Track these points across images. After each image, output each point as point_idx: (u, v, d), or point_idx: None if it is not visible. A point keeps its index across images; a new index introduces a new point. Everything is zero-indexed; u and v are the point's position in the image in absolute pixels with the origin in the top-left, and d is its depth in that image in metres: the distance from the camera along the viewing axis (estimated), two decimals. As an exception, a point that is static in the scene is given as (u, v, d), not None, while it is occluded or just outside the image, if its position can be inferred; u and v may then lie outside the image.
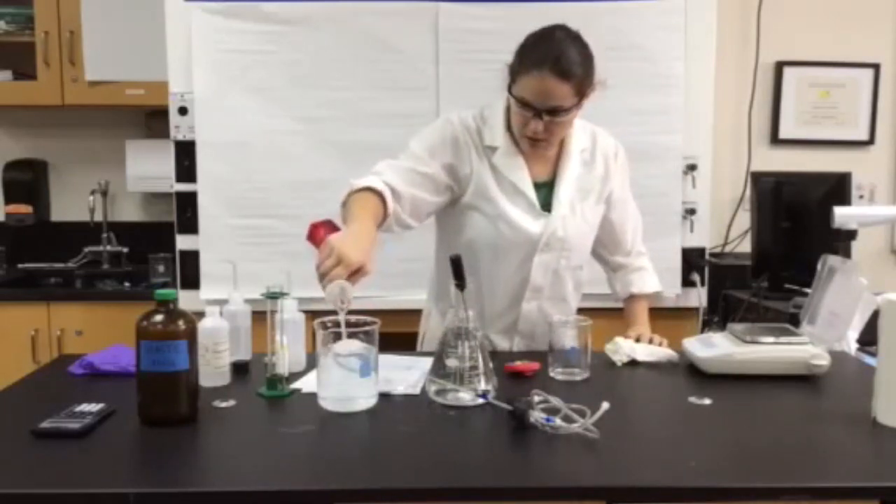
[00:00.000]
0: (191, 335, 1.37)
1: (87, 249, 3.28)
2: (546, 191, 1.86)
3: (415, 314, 2.09)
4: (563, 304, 1.92)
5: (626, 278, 2.04)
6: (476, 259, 1.83)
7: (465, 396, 1.47)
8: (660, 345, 1.85)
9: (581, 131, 1.89)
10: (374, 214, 1.66)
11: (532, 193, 1.83)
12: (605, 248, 2.01)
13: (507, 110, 1.83)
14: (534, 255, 1.84)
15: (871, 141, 3.30)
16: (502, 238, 1.82)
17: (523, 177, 1.83)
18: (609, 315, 2.02)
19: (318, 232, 1.52)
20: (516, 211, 1.83)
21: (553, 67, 1.66)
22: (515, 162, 1.83)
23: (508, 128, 1.83)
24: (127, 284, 3.16)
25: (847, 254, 1.96)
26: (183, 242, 2.73)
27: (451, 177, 1.82)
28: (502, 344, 1.92)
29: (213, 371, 1.55)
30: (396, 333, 1.92)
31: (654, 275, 2.06)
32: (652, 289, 2.05)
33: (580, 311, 1.73)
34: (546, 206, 1.85)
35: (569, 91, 1.69)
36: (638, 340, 1.85)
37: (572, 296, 1.94)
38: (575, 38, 1.73)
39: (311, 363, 1.61)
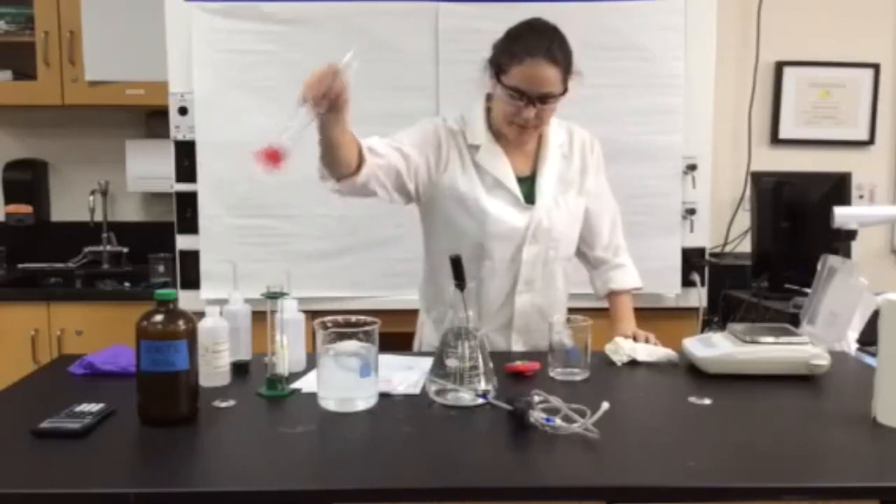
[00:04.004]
0: (191, 335, 1.37)
1: (87, 249, 3.28)
2: (528, 185, 1.90)
3: (415, 314, 2.09)
4: (554, 296, 1.95)
5: (605, 275, 2.04)
6: (467, 258, 1.83)
7: (465, 396, 1.47)
8: (646, 340, 1.86)
9: (557, 127, 1.93)
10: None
11: (515, 187, 1.88)
12: (584, 242, 2.02)
13: (487, 108, 1.90)
14: (523, 248, 1.88)
15: (871, 141, 3.30)
16: (490, 234, 1.85)
17: (506, 172, 1.88)
18: (608, 315, 2.02)
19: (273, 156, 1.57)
20: (501, 206, 1.87)
21: (546, 54, 1.74)
22: (498, 158, 1.88)
23: (488, 126, 1.89)
24: (127, 284, 3.15)
25: (847, 254, 1.96)
26: (183, 242, 2.73)
27: (427, 172, 1.85)
28: (499, 342, 1.93)
29: (213, 371, 1.55)
30: (396, 333, 1.92)
31: (634, 271, 2.06)
32: (632, 285, 2.05)
33: (579, 311, 1.73)
34: (529, 199, 1.89)
35: (558, 76, 1.76)
36: (636, 339, 1.86)
37: (562, 288, 1.97)
38: (556, 29, 1.81)
39: (311, 363, 1.61)
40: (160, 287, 1.42)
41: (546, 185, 1.90)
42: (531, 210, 1.87)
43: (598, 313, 1.84)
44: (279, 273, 1.63)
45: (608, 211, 2.03)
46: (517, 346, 1.94)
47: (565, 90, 1.78)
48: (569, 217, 1.93)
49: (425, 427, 1.39)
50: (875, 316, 1.59)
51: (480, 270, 1.87)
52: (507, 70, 1.76)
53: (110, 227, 3.30)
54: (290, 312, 1.65)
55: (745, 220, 3.08)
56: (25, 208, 3.22)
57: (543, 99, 1.77)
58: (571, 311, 1.80)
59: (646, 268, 2.16)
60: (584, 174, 1.96)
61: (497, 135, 1.88)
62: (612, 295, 2.04)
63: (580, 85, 1.81)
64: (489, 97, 1.90)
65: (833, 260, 1.88)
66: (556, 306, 1.93)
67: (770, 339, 1.68)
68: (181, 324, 1.36)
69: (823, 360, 1.64)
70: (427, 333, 1.99)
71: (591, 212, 1.99)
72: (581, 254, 2.04)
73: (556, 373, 1.66)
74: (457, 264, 1.53)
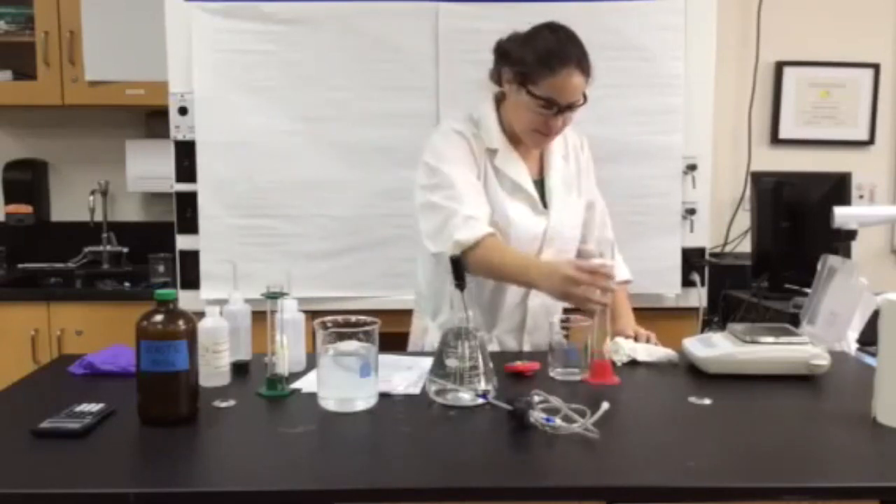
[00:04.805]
0: (191, 335, 1.37)
1: (87, 249, 3.28)
2: (539, 188, 1.91)
3: (415, 314, 2.09)
4: None
5: None
6: None
7: (465, 396, 1.47)
8: (647, 340, 1.86)
9: None
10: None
11: (534, 190, 1.89)
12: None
13: (497, 111, 1.89)
14: (540, 254, 1.88)
15: (871, 141, 3.30)
16: (512, 240, 1.85)
17: (525, 176, 1.89)
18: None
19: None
20: (521, 209, 1.87)
21: (578, 65, 1.75)
22: (516, 162, 1.89)
23: (502, 128, 1.88)
24: (127, 284, 3.16)
25: (847, 254, 1.96)
26: (183, 242, 2.73)
27: None
28: (510, 343, 1.94)
29: (213, 371, 1.55)
30: (397, 333, 1.92)
31: (623, 265, 2.06)
32: (623, 277, 2.04)
33: (579, 311, 1.73)
34: (542, 203, 1.90)
35: (585, 84, 1.77)
36: (636, 339, 1.86)
37: None
38: (575, 33, 1.80)
39: (311, 363, 1.61)
40: (160, 287, 1.42)
41: (556, 188, 1.91)
42: (546, 214, 1.89)
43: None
44: (279, 273, 1.63)
45: (598, 206, 2.05)
46: (527, 347, 1.95)
47: (585, 98, 1.79)
48: (575, 219, 1.96)
49: (425, 427, 1.39)
50: (875, 316, 1.59)
51: None
52: (538, 80, 1.75)
53: (110, 227, 3.29)
54: (290, 312, 1.65)
55: (745, 220, 3.08)
56: (25, 208, 3.22)
57: (571, 107, 1.78)
58: (571, 311, 1.81)
59: (646, 268, 2.16)
60: (579, 175, 1.98)
61: (511, 138, 1.88)
62: None
63: (602, 93, 1.81)
64: (497, 98, 1.90)
65: (833, 260, 1.88)
66: (558, 304, 1.94)
67: (770, 339, 1.68)
68: (181, 324, 1.36)
69: (823, 360, 1.64)
70: (431, 338, 1.94)
71: (584, 208, 2.01)
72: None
73: (556, 373, 1.65)
74: (457, 264, 1.53)
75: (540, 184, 1.92)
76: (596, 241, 2.03)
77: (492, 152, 1.87)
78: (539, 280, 1.69)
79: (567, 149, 1.97)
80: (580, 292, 1.58)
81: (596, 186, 2.06)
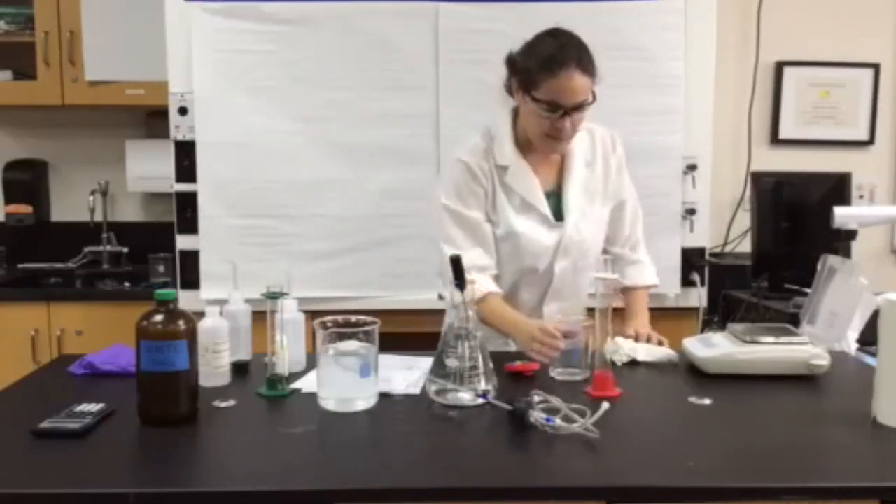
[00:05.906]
0: (191, 335, 1.38)
1: (87, 249, 3.28)
2: (555, 199, 1.91)
3: (415, 314, 2.10)
4: (579, 300, 1.98)
5: (622, 271, 2.03)
6: (500, 275, 1.88)
7: (465, 396, 1.47)
8: (659, 343, 1.85)
9: (579, 132, 1.90)
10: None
11: (545, 207, 1.89)
12: (605, 240, 2.02)
13: (513, 125, 1.90)
14: (555, 264, 1.90)
15: (871, 141, 3.30)
16: (521, 253, 1.87)
17: (535, 191, 1.89)
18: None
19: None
20: (531, 225, 1.88)
21: (579, 65, 1.75)
22: (526, 177, 1.89)
23: (515, 142, 1.89)
24: (127, 284, 3.15)
25: (847, 254, 1.96)
26: (183, 242, 2.73)
27: (488, 208, 1.90)
28: None
29: (213, 371, 1.55)
30: (396, 333, 1.91)
31: (651, 267, 2.07)
32: (648, 281, 2.05)
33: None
34: (557, 214, 1.90)
35: (590, 85, 1.78)
36: (637, 339, 1.86)
37: (585, 290, 1.98)
38: (579, 37, 1.81)
39: (311, 363, 1.61)
40: (160, 287, 1.42)
41: (573, 200, 1.90)
42: (560, 227, 1.89)
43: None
44: (279, 273, 1.63)
45: (629, 205, 2.03)
46: None
47: (594, 96, 1.79)
48: (596, 226, 1.95)
49: (425, 427, 1.39)
50: (875, 316, 1.59)
51: (512, 286, 1.91)
52: (539, 84, 1.76)
53: (110, 227, 3.29)
54: (290, 312, 1.65)
55: (745, 220, 3.08)
56: (25, 208, 3.22)
57: (577, 108, 1.78)
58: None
59: (646, 268, 2.15)
60: (607, 179, 1.96)
61: (524, 150, 1.89)
62: (626, 290, 2.04)
63: (603, 92, 1.82)
64: (514, 112, 1.90)
65: (833, 260, 1.88)
66: (577, 308, 1.94)
67: (770, 339, 1.68)
68: (181, 324, 1.36)
69: (823, 360, 1.64)
70: None
71: (613, 208, 2.00)
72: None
73: (556, 373, 1.66)
74: (456, 265, 1.53)
75: (557, 194, 1.91)
76: (623, 242, 2.03)
77: (502, 169, 1.87)
78: (515, 336, 1.81)
79: (594, 151, 1.95)
80: (535, 348, 1.70)
81: (630, 183, 2.03)
